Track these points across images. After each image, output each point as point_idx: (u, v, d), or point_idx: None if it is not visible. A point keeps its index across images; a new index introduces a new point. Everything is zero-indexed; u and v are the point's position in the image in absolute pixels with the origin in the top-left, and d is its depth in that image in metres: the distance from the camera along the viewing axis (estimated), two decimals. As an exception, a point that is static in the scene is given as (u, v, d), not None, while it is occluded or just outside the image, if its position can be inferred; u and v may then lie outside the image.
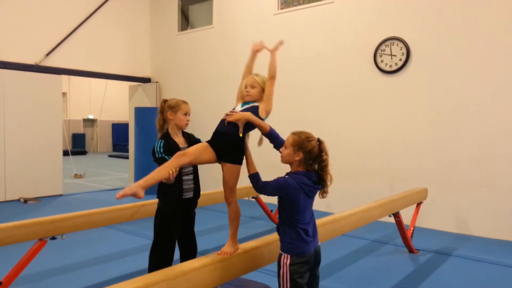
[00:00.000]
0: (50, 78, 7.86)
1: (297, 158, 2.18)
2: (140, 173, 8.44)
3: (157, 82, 9.48)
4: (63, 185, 8.33)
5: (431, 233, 5.40)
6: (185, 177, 2.81)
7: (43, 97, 7.75)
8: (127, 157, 11.76)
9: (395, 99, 6.02)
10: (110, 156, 17.91)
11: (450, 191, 5.52)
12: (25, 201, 7.22)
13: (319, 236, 2.34)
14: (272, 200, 2.34)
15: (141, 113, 8.58)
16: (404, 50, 5.89)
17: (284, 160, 2.26)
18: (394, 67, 5.99)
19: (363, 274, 3.91)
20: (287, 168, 2.30)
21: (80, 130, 19.94)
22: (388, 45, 6.05)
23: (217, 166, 2.41)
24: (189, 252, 3.00)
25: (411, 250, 4.55)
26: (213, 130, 2.45)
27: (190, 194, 2.86)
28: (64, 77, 11.36)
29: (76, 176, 10.71)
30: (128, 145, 10.44)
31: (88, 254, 4.42)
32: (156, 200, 2.94)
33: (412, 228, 4.62)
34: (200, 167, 2.88)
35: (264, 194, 2.24)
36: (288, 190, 2.14)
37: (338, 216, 3.39)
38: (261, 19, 7.56)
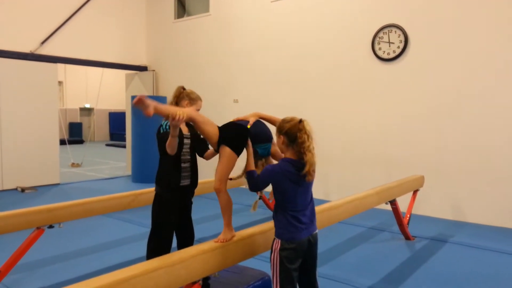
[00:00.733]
0: (45, 66, 7.79)
1: (281, 143, 2.20)
2: (137, 162, 8.44)
3: (153, 70, 9.42)
4: (60, 174, 8.33)
5: (428, 220, 5.44)
6: (182, 165, 2.81)
7: (39, 86, 7.70)
8: (124, 146, 11.75)
9: (393, 87, 6.01)
10: (107, 145, 17.89)
11: (446, 179, 5.54)
12: (22, 190, 7.21)
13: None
14: (269, 188, 2.34)
15: (138, 102, 8.53)
16: (402, 38, 5.85)
17: (279, 149, 2.29)
18: (392, 55, 5.96)
19: (360, 261, 3.94)
20: None
21: (77, 119, 19.88)
22: (386, 32, 6.01)
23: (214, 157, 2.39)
24: (187, 240, 3.01)
25: (407, 237, 4.59)
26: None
27: (187, 182, 2.86)
28: (60, 66, 11.29)
29: (73, 165, 10.70)
30: (125, 134, 10.41)
31: (86, 243, 4.44)
32: (153, 188, 2.95)
33: (408, 215, 4.65)
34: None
35: (258, 189, 2.27)
36: (274, 177, 2.17)
37: (334, 203, 3.40)
38: (258, 6, 7.49)
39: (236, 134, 2.41)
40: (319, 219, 2.80)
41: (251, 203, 6.26)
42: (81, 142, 18.04)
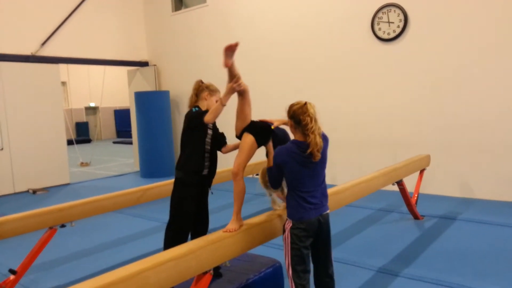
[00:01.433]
0: (47, 67, 7.83)
1: (290, 126, 2.30)
2: (145, 157, 8.51)
3: (154, 65, 9.43)
4: (70, 174, 8.42)
5: (435, 199, 5.45)
6: (205, 154, 2.91)
7: (42, 87, 7.75)
8: (131, 143, 11.82)
9: (394, 67, 5.97)
10: (114, 142, 18.00)
11: (452, 157, 5.53)
12: (34, 192, 7.32)
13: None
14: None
15: (141, 98, 8.57)
16: (401, 17, 5.79)
17: (291, 132, 2.37)
18: (392, 35, 5.91)
19: (369, 243, 3.97)
20: None
21: (83, 118, 19.98)
22: (385, 12, 5.95)
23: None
24: (202, 229, 3.07)
25: (416, 217, 4.60)
26: None
27: (206, 171, 2.96)
28: (63, 66, 11.35)
29: (82, 164, 10.80)
30: (131, 131, 10.48)
31: (99, 240, 4.52)
32: (162, 182, 3.01)
33: (416, 195, 4.66)
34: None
35: (276, 180, 2.35)
36: (281, 157, 2.25)
37: (341, 187, 3.41)
38: (255, -6, 7.43)
39: (261, 128, 2.58)
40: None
41: (260, 192, 6.30)
42: (88, 141, 18.16)
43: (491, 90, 5.18)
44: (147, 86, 9.36)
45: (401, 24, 5.80)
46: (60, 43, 8.04)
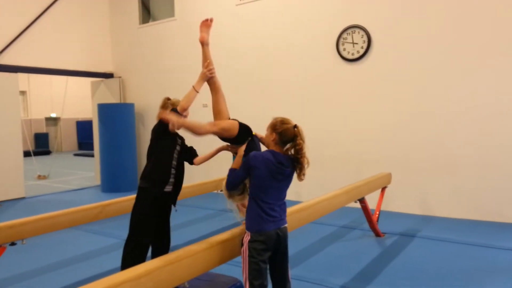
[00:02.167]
0: (5, 76, 7.51)
1: (272, 139, 2.36)
2: (106, 171, 8.26)
3: (120, 77, 9.25)
4: (26, 187, 8.04)
5: (396, 216, 5.57)
6: (172, 169, 2.90)
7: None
8: (93, 155, 11.46)
9: (358, 86, 6.12)
10: (75, 154, 17.42)
11: (412, 175, 5.69)
12: (-15, 206, 6.92)
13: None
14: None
15: (105, 110, 8.36)
16: (365, 38, 5.97)
17: (266, 142, 2.46)
18: (356, 55, 6.07)
19: (332, 260, 3.98)
20: None
21: (43, 129, 19.26)
22: (349, 33, 6.12)
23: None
24: (163, 248, 2.99)
25: (377, 234, 4.67)
26: None
27: (169, 188, 2.92)
28: (23, 75, 10.92)
29: (39, 177, 10.35)
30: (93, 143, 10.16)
31: (54, 257, 4.29)
32: (122, 198, 2.94)
33: (377, 213, 4.74)
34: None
35: (237, 183, 2.39)
36: (255, 161, 2.29)
37: (305, 204, 3.42)
38: (224, 10, 7.47)
39: (246, 126, 2.69)
40: (290, 221, 2.81)
41: (223, 208, 6.21)
42: (48, 153, 17.49)
43: (451, 111, 5.40)
44: (111, 98, 9.15)
45: (365, 45, 5.98)
46: (21, 52, 7.76)
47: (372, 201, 4.76)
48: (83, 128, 19.65)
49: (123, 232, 2.97)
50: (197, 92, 2.68)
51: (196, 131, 2.55)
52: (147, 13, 9.09)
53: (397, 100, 5.79)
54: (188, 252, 2.26)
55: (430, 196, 5.62)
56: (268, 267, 2.36)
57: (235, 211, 2.77)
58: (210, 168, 7.38)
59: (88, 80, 9.74)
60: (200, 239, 4.11)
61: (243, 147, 2.62)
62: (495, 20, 5.08)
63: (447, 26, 5.37)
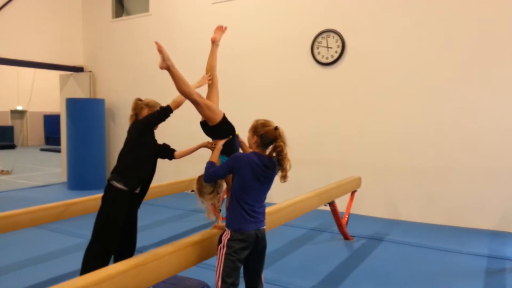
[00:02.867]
0: (-33, 66, 7.17)
1: (253, 141, 2.37)
2: (73, 168, 8.01)
3: (90, 71, 8.99)
4: (-13, 182, 7.70)
5: (365, 220, 5.64)
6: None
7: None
8: (60, 151, 11.11)
9: (331, 90, 6.17)
10: (42, 149, 16.85)
11: (381, 179, 5.78)
12: None
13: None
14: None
15: (74, 104, 8.11)
16: (339, 42, 6.02)
17: (248, 144, 2.45)
18: (331, 59, 6.12)
19: (301, 263, 3.98)
20: None
21: (8, 122, 18.55)
22: (324, 37, 6.16)
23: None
24: (128, 250, 2.91)
25: (346, 237, 4.72)
26: None
27: (137, 190, 2.87)
28: (-14, 65, 10.44)
29: (2, 172, 9.95)
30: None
31: (10, 258, 4.08)
32: (88, 197, 2.86)
33: (347, 216, 4.78)
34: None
35: (216, 177, 2.39)
36: (240, 162, 2.30)
37: (276, 207, 3.41)
38: (199, 8, 7.38)
39: (230, 123, 2.69)
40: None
41: (194, 208, 6.12)
42: (12, 147, 16.86)
43: (420, 116, 5.51)
44: (80, 92, 8.88)
45: (339, 50, 6.03)
46: (-15, 41, 7.42)
47: (341, 204, 4.80)
48: (51, 122, 19.06)
49: (90, 231, 2.85)
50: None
51: (181, 84, 2.48)
52: (121, 7, 8.88)
53: (368, 105, 5.87)
54: (154, 256, 2.20)
55: (397, 201, 5.73)
56: (242, 267, 2.36)
57: (205, 210, 2.73)
58: (180, 168, 7.26)
59: (57, 73, 9.42)
60: (169, 240, 4.04)
61: (222, 141, 2.62)
62: (469, 24, 5.23)
63: (421, 32, 5.48)
